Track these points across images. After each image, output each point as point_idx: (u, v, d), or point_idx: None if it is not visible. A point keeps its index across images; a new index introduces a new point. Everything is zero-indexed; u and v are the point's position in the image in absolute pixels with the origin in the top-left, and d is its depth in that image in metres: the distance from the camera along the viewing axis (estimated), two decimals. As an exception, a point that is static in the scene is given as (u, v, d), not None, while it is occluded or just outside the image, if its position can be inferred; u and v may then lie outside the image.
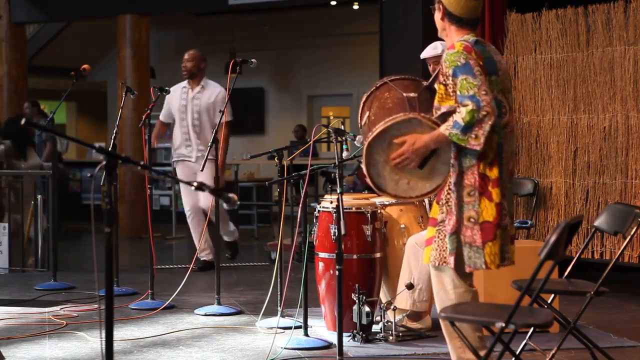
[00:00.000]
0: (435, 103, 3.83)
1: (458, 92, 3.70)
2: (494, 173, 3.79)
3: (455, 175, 3.79)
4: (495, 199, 3.77)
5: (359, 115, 4.07)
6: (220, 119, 6.12)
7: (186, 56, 8.14)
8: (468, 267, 3.81)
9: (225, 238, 8.44)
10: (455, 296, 3.86)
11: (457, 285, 3.87)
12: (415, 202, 5.53)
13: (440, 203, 3.86)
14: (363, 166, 3.88)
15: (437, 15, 3.98)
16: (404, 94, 3.94)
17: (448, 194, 3.82)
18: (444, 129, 3.71)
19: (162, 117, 8.21)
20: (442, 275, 3.89)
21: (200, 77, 8.10)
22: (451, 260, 3.80)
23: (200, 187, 2.89)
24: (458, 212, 3.78)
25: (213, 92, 8.06)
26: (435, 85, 3.96)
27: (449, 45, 3.88)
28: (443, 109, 3.78)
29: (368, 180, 3.89)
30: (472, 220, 3.77)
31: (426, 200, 5.63)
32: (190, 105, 8.00)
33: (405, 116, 3.81)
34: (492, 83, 3.76)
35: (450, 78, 3.74)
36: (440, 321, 3.93)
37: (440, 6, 3.95)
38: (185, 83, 8.13)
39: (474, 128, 3.65)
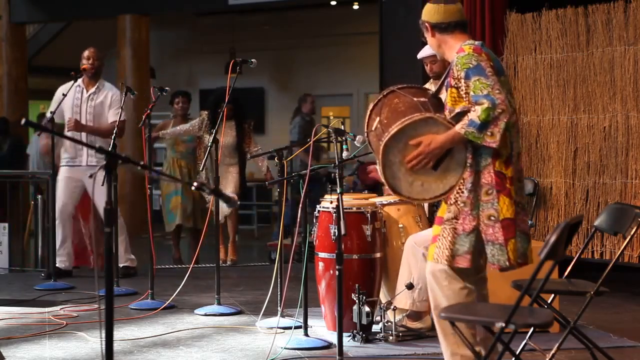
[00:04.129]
0: (449, 106, 3.86)
1: (472, 93, 3.73)
2: (510, 171, 3.83)
3: (472, 175, 3.80)
4: (513, 196, 3.82)
5: (366, 123, 4.05)
6: (221, 117, 6.10)
7: (92, 54, 7.71)
8: (492, 264, 3.83)
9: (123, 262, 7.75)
10: (451, 293, 3.87)
11: (452, 282, 3.88)
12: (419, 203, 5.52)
13: (449, 202, 3.86)
14: (379, 167, 3.88)
15: (428, 37, 4.07)
16: (415, 99, 3.95)
17: (458, 194, 3.82)
18: (460, 127, 3.73)
19: (58, 116, 7.61)
20: (438, 272, 3.90)
21: (98, 77, 7.73)
22: (463, 259, 3.80)
23: (200, 187, 2.88)
24: (475, 211, 3.79)
25: (108, 93, 7.70)
26: (444, 90, 3.98)
27: (456, 51, 3.90)
28: (457, 110, 3.80)
29: (383, 181, 3.89)
30: (492, 218, 3.79)
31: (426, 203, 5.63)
32: (85, 105, 7.62)
33: (422, 115, 3.81)
34: (502, 83, 3.80)
35: (463, 80, 3.77)
36: (434, 318, 3.94)
37: (426, 25, 4.03)
38: (79, 82, 7.65)
39: (490, 126, 3.69)
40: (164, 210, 9.11)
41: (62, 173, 7.67)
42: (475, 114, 3.70)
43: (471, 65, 3.77)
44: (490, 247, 3.81)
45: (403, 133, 3.80)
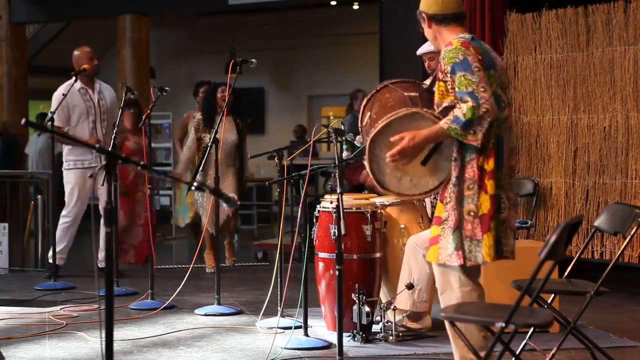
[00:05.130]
0: (437, 100, 3.84)
1: (457, 89, 3.71)
2: (489, 165, 3.80)
3: (457, 169, 3.79)
4: (489, 191, 3.78)
5: (360, 118, 4.06)
6: (220, 118, 6.10)
7: (89, 53, 7.58)
8: (469, 260, 3.79)
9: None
10: (462, 294, 3.84)
11: (463, 284, 3.85)
12: (415, 201, 5.52)
13: (445, 201, 3.84)
14: (366, 163, 3.86)
15: (425, 28, 4.03)
16: (405, 94, 3.94)
17: (450, 190, 3.82)
18: (444, 122, 3.72)
19: (62, 123, 7.44)
20: (449, 273, 3.87)
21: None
22: (455, 256, 3.78)
23: (200, 187, 2.89)
24: (459, 206, 3.78)
25: (110, 92, 7.72)
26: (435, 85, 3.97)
27: (446, 44, 3.89)
28: (445, 104, 3.79)
29: (371, 177, 3.86)
30: (472, 213, 3.77)
31: (427, 201, 5.63)
32: (98, 107, 7.56)
33: (407, 111, 3.80)
34: (491, 77, 3.78)
35: (449, 75, 3.75)
36: (446, 322, 3.93)
37: (423, 15, 4.00)
38: (79, 84, 7.50)
39: (474, 125, 3.67)
40: (176, 203, 8.97)
41: (79, 176, 7.49)
42: (461, 111, 3.67)
43: (457, 60, 3.74)
44: (467, 243, 3.78)
45: (389, 128, 3.78)
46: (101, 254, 7.50)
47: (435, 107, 3.85)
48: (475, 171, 3.78)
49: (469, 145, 3.76)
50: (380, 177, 3.84)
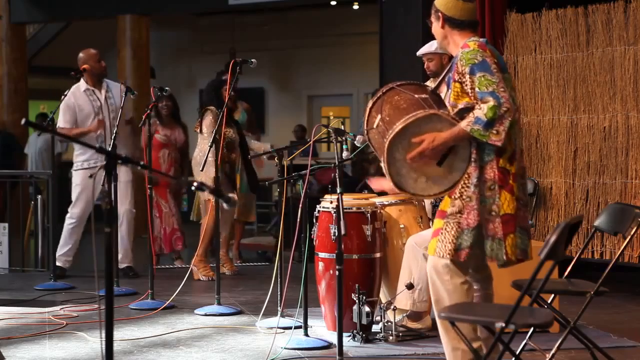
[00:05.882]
0: (452, 101, 3.87)
1: (477, 89, 3.74)
2: (513, 167, 3.86)
3: (477, 170, 3.82)
4: (515, 192, 3.84)
5: (365, 120, 4.04)
6: (221, 118, 6.09)
7: (96, 55, 7.59)
8: (490, 259, 3.84)
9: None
10: (452, 287, 3.89)
11: (454, 276, 3.90)
12: (415, 201, 5.52)
13: (453, 197, 3.86)
14: (383, 165, 3.86)
15: (437, 25, 4.04)
16: (416, 96, 3.94)
17: (464, 188, 3.84)
18: (465, 125, 3.74)
19: (69, 124, 7.47)
20: (440, 265, 3.91)
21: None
22: (463, 254, 3.83)
23: (200, 187, 2.89)
24: (479, 206, 3.80)
25: (118, 90, 7.62)
26: (444, 86, 3.98)
27: (461, 46, 3.90)
28: (460, 106, 3.81)
29: (388, 178, 3.87)
30: (493, 213, 3.81)
31: (426, 200, 5.63)
32: (106, 107, 7.54)
33: (425, 112, 3.81)
34: (506, 80, 3.82)
35: (467, 75, 3.78)
36: (436, 313, 3.95)
37: (439, 14, 4.00)
38: (84, 85, 7.53)
39: (496, 124, 3.71)
40: (198, 199, 8.97)
41: (85, 176, 7.50)
42: (482, 111, 3.71)
43: (476, 61, 3.78)
44: (489, 242, 3.83)
45: (407, 130, 3.79)
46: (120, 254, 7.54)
47: (450, 108, 3.87)
48: (495, 172, 3.82)
49: (486, 146, 3.80)
50: (398, 179, 3.86)
